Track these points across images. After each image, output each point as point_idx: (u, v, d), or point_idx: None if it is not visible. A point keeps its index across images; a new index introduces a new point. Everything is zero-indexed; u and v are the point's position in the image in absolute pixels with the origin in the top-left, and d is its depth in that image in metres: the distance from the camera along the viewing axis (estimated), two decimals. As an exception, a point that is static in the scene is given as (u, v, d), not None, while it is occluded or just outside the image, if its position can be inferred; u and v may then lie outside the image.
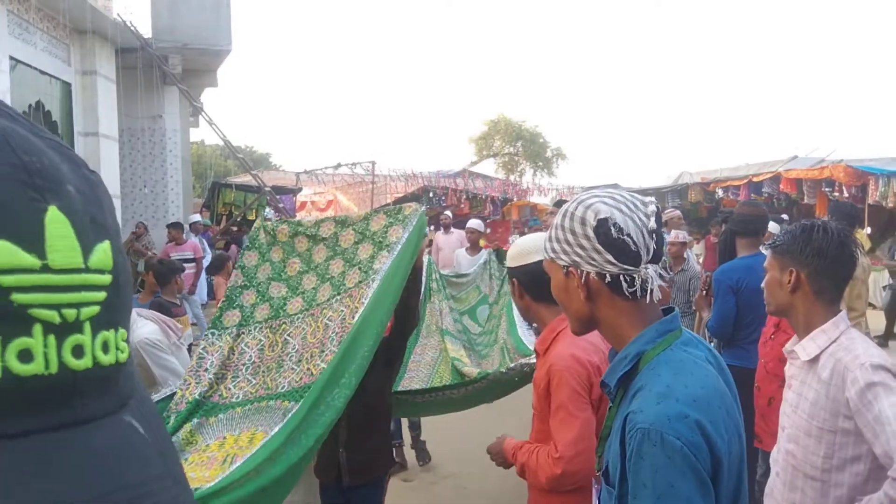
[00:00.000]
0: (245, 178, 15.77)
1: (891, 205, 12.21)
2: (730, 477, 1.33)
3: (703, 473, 1.25)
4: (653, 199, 1.48)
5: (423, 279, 5.08)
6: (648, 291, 1.39)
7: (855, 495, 2.05)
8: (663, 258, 1.47)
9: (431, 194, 20.83)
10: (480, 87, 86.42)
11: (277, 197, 13.63)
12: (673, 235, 7.11)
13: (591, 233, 1.37)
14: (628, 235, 1.36)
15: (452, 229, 10.13)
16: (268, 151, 50.58)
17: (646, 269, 1.38)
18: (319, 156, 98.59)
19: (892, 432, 1.90)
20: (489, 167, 36.89)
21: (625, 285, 1.38)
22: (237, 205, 14.23)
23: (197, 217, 12.36)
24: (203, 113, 13.49)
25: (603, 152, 75.07)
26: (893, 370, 2.04)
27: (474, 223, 8.59)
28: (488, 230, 13.33)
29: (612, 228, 1.35)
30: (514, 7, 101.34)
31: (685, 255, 7.05)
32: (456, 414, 4.10)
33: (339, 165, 16.86)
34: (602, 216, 1.36)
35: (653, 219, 1.40)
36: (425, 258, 5.44)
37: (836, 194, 13.16)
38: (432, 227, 11.16)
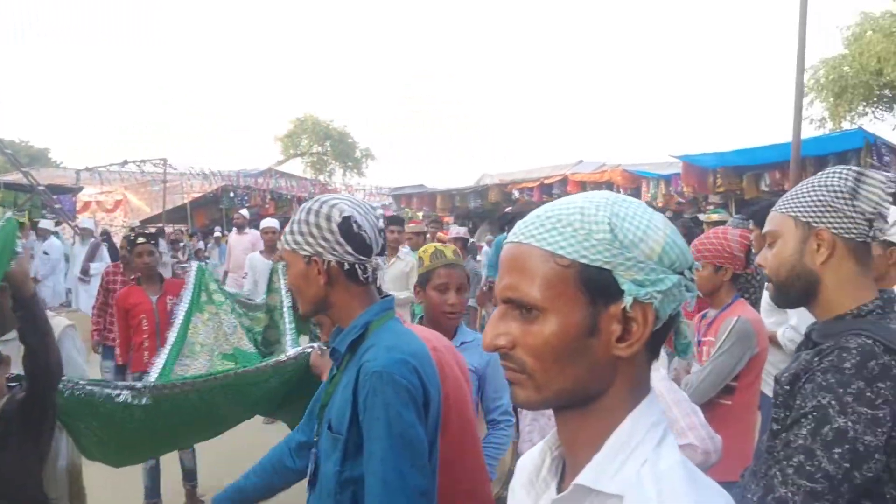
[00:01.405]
0: (17, 176, 14.25)
1: (660, 204, 13.54)
2: (434, 422, 1.71)
3: (420, 407, 1.63)
4: (380, 205, 1.78)
5: (191, 289, 4.41)
6: (376, 278, 1.75)
7: None
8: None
9: (233, 194, 20.07)
10: (286, 84, 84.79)
11: (54, 197, 12.45)
12: (452, 231, 7.39)
13: (335, 227, 1.66)
14: (364, 231, 1.68)
15: (247, 230, 9.66)
16: (46, 147, 45.98)
17: (375, 259, 1.72)
18: (108, 152, 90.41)
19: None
20: (297, 166, 36.36)
21: (360, 272, 1.70)
22: (6, 205, 12.78)
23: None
24: (-38, 102, 11.98)
25: (410, 154, 77.01)
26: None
27: (269, 223, 7.70)
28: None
29: (353, 225, 1.66)
30: (320, 3, 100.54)
31: (468, 250, 7.35)
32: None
33: (125, 163, 15.73)
34: (346, 214, 1.67)
35: (381, 220, 1.76)
36: (195, 265, 4.86)
37: (614, 196, 14.38)
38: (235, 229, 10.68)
